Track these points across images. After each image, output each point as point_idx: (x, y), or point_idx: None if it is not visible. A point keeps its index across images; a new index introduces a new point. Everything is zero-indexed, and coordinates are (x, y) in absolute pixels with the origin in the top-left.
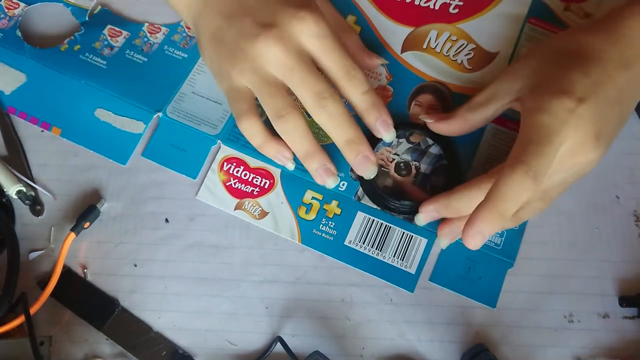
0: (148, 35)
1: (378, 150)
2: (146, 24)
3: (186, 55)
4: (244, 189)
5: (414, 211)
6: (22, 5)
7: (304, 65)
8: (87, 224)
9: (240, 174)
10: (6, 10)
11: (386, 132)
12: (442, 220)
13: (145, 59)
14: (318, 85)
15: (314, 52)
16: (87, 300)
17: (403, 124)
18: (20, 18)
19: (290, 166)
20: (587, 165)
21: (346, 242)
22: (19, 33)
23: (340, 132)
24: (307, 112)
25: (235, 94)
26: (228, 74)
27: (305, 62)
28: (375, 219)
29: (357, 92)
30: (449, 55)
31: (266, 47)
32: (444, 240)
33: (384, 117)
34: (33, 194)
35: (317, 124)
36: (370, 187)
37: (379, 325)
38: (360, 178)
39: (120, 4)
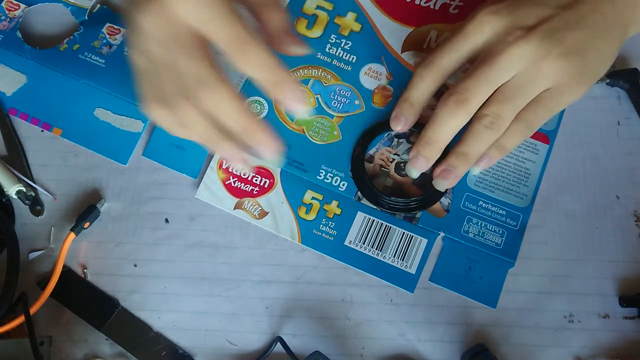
0: None
1: (378, 150)
2: None
3: None
4: (244, 188)
5: (408, 209)
6: (23, 6)
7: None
8: (87, 224)
9: (240, 173)
10: (7, 12)
11: (298, 107)
12: None
13: None
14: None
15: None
16: (87, 300)
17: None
18: (20, 19)
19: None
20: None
21: (346, 242)
22: (19, 34)
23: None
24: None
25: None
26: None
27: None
28: (375, 219)
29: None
30: None
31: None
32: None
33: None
34: (33, 194)
35: (316, 122)
36: (365, 186)
37: (379, 325)
38: (355, 177)
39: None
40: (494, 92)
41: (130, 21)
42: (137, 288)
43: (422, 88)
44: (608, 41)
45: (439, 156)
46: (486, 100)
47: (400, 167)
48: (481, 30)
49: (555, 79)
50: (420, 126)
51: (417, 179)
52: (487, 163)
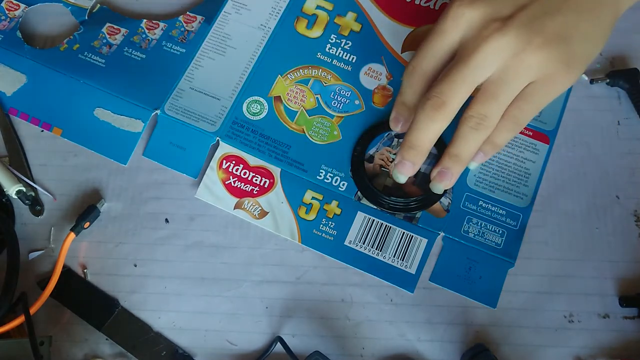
0: (146, 31)
1: (378, 150)
2: (144, 21)
3: (184, 50)
4: (244, 188)
5: (408, 209)
6: (23, 6)
7: None
8: (87, 224)
9: (240, 173)
10: (7, 12)
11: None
12: None
13: (144, 56)
14: None
15: None
16: (87, 300)
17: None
18: (20, 19)
19: None
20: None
21: (346, 242)
22: (19, 34)
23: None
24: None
25: None
26: None
27: None
28: (375, 219)
29: None
30: None
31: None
32: (437, 186)
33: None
34: (33, 194)
35: (316, 122)
36: (365, 186)
37: (379, 325)
38: (355, 177)
39: (120, 1)
40: (479, 89)
41: None
42: (137, 288)
43: (412, 93)
44: (596, 22)
45: (424, 159)
46: (472, 97)
47: None
48: (456, 25)
49: (540, 70)
50: None
51: (417, 179)
52: (483, 158)
